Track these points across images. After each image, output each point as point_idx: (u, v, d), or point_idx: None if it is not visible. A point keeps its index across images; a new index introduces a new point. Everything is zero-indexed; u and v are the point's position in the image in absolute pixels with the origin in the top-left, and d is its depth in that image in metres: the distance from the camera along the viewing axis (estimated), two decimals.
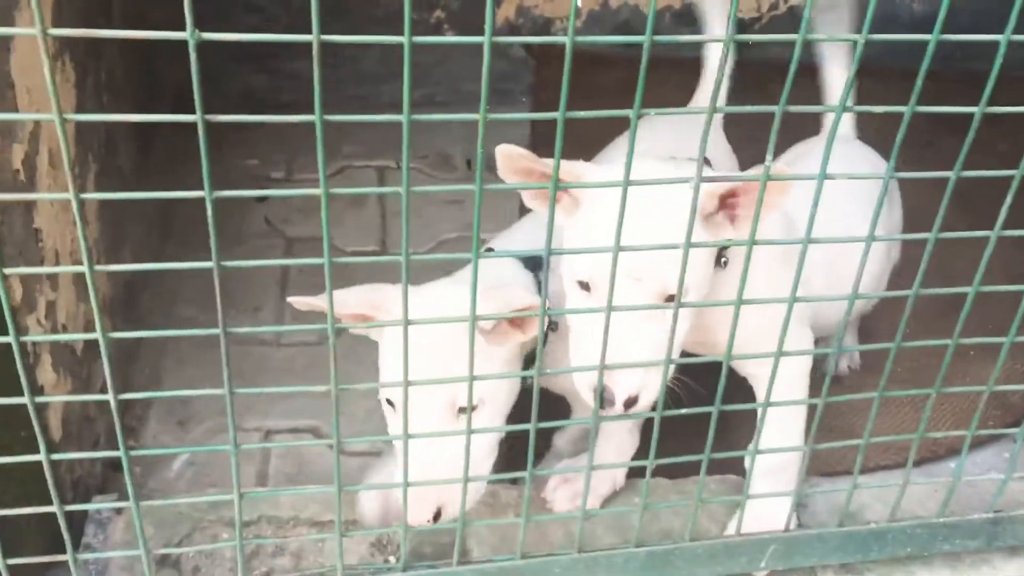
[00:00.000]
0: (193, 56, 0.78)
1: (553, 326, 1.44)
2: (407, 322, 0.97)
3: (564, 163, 1.02)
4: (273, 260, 2.05)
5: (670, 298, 1.09)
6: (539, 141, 2.56)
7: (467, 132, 2.58)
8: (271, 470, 1.69)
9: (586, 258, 1.12)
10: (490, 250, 1.51)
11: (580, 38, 0.86)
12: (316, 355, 1.90)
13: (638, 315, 1.10)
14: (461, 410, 1.21)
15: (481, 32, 2.82)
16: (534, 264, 1.47)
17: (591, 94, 2.22)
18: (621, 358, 1.09)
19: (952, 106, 0.95)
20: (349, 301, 1.26)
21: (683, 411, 1.13)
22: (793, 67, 0.87)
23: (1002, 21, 0.89)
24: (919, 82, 0.91)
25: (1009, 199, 1.00)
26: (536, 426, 1.08)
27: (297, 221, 2.29)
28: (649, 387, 1.12)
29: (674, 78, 1.75)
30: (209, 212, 0.88)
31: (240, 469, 1.65)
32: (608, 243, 0.98)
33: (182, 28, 0.76)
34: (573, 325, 1.19)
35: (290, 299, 1.28)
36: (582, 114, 0.88)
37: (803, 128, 1.70)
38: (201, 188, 0.84)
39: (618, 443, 1.53)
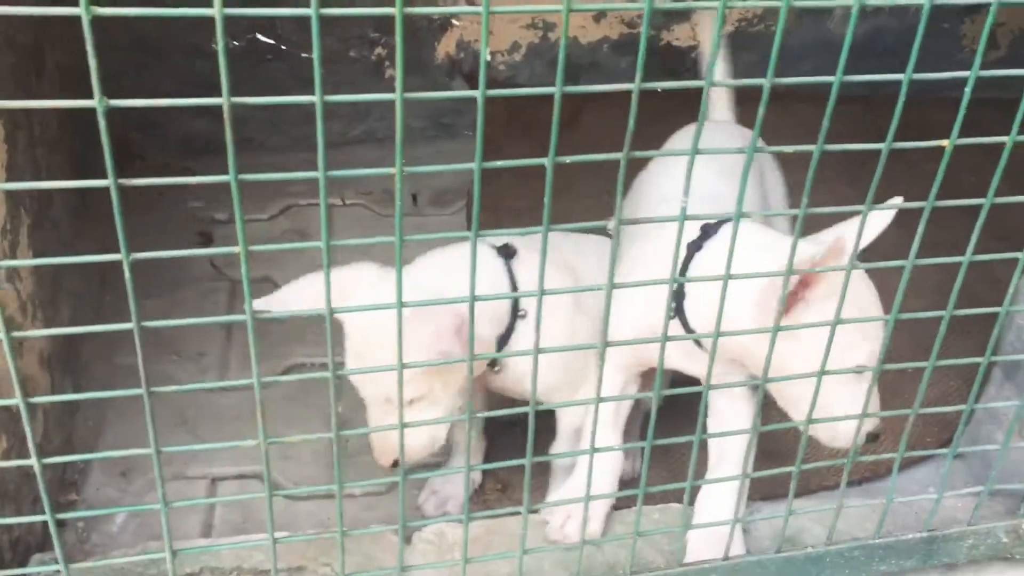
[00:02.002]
0: (102, 123, 0.79)
1: (522, 313, 1.46)
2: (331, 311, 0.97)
3: None
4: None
5: None
6: (486, 175, 2.57)
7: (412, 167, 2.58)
8: (216, 519, 1.68)
9: None
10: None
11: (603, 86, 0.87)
12: (264, 399, 1.89)
13: None
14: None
15: (424, 69, 2.86)
16: (507, 252, 1.48)
17: (532, 128, 2.25)
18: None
19: (880, 127, 0.96)
20: (320, 291, 1.29)
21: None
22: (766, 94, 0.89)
23: (932, 40, 0.91)
24: (826, 122, 0.93)
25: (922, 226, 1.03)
26: (530, 459, 1.10)
27: (239, 264, 2.27)
28: None
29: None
30: (127, 274, 0.89)
31: (184, 519, 1.66)
32: None
33: (116, 77, 0.77)
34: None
35: (256, 303, 1.31)
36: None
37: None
38: (139, 237, 0.85)
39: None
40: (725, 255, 1.01)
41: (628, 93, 0.89)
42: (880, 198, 1.02)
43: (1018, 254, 1.11)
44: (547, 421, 1.61)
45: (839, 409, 1.24)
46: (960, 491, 1.36)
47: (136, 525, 1.64)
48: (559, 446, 1.65)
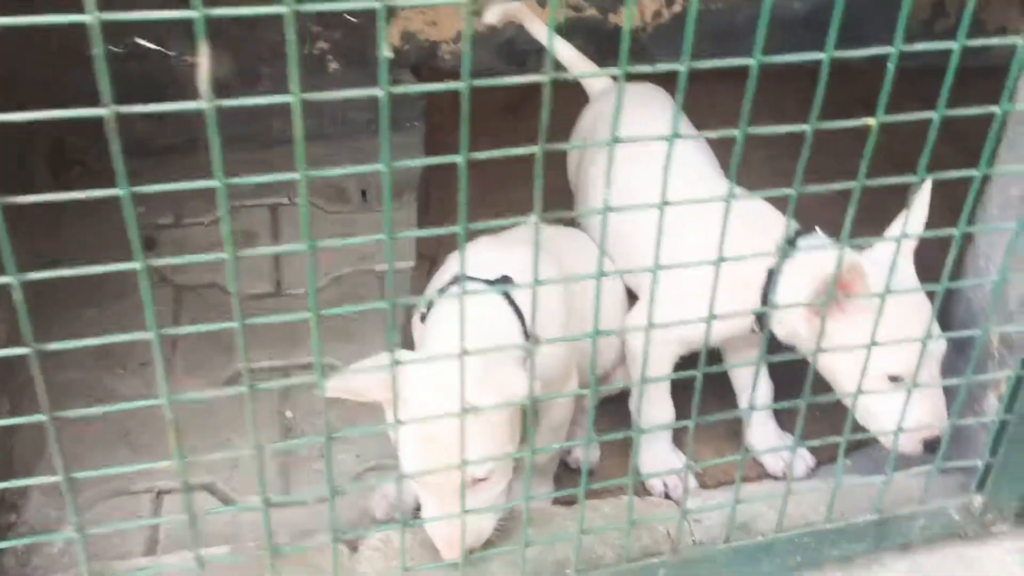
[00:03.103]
0: None
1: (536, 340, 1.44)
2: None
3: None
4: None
5: None
6: (436, 167, 2.54)
7: (360, 163, 2.54)
8: (161, 535, 1.64)
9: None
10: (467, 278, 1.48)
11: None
12: (208, 411, 1.85)
13: None
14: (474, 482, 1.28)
15: (368, 61, 2.81)
16: (500, 284, 1.45)
17: (478, 116, 2.21)
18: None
19: (827, 99, 0.93)
20: (369, 380, 1.27)
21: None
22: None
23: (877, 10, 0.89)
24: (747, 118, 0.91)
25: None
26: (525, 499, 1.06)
27: (186, 268, 2.23)
28: None
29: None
30: (18, 296, 0.85)
31: (127, 536, 1.62)
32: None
33: (54, 87, 0.73)
34: None
35: (328, 389, 1.25)
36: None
37: None
38: (79, 245, 0.81)
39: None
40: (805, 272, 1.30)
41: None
42: (829, 171, 0.98)
43: (953, 230, 1.09)
44: None
45: (884, 415, 1.40)
46: (909, 471, 1.34)
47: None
48: (538, 444, 1.63)
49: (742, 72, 0.88)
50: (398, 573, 1.36)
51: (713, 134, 0.98)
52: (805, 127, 0.94)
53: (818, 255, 1.43)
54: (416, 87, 0.85)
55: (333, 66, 2.60)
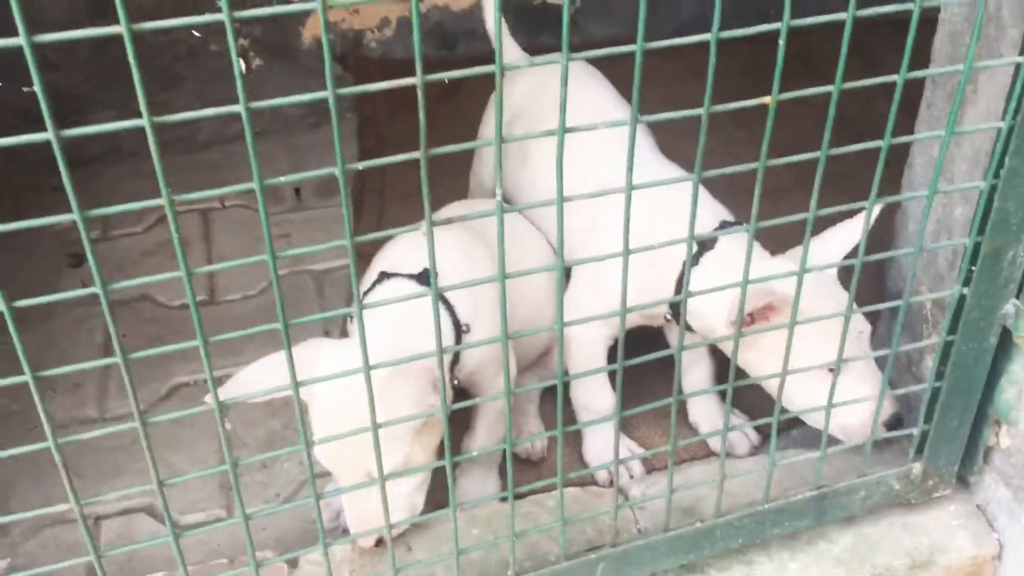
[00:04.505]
0: None
1: (465, 329, 1.42)
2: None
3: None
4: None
5: None
6: (367, 157, 2.49)
7: (293, 161, 2.50)
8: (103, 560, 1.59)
9: None
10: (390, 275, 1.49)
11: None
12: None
13: None
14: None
15: (292, 54, 2.71)
16: (427, 278, 1.43)
17: (412, 104, 2.16)
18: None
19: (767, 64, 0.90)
20: (276, 372, 1.23)
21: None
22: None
23: None
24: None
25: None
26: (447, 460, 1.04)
27: (118, 281, 2.17)
28: None
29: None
30: None
31: (65, 568, 1.58)
32: None
33: None
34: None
35: (223, 397, 1.22)
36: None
37: None
38: (3, 264, 0.77)
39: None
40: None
41: None
42: (773, 140, 0.95)
43: (864, 203, 1.07)
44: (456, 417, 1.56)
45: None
46: (841, 446, 1.33)
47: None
48: (479, 435, 1.62)
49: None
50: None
51: (678, 115, 0.93)
52: (765, 100, 0.91)
53: (731, 256, 1.41)
54: (374, 86, 0.81)
55: (256, 62, 2.53)
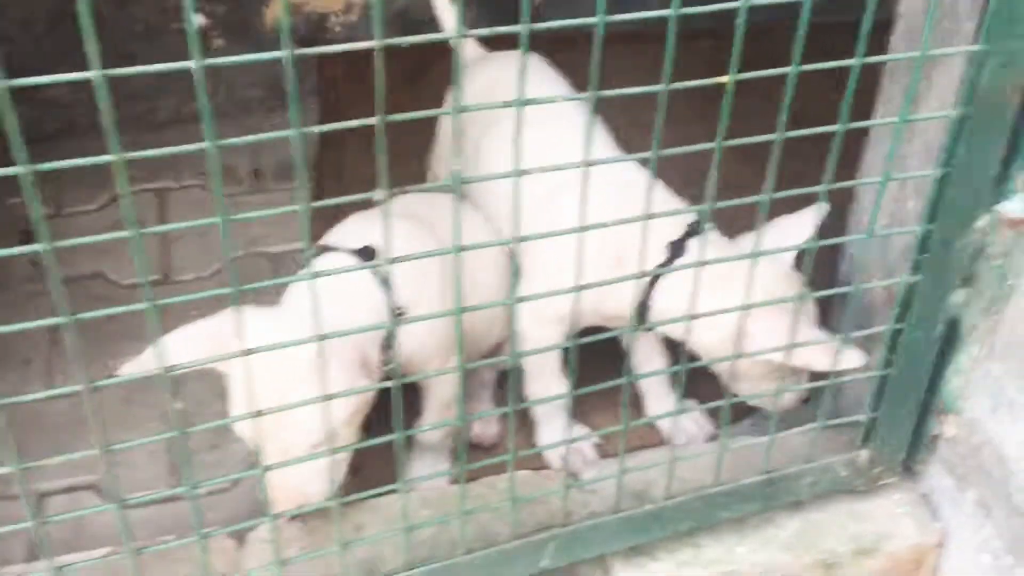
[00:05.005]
0: None
1: (399, 312, 1.39)
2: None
3: None
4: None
5: None
6: (328, 142, 2.48)
7: (251, 144, 2.46)
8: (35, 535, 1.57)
9: None
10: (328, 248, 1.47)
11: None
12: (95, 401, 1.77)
13: None
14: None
15: (253, 36, 2.67)
16: (368, 254, 1.41)
17: (373, 89, 2.15)
18: None
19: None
20: (199, 340, 1.25)
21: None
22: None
23: None
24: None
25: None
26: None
27: (68, 260, 2.14)
28: None
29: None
30: None
31: (6, 542, 1.55)
32: None
33: None
34: None
35: (121, 371, 1.21)
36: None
37: None
38: None
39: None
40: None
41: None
42: (734, 135, 0.96)
43: (818, 187, 1.08)
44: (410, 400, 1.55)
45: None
46: (794, 430, 1.34)
47: None
48: (429, 421, 1.59)
49: (633, 34, 0.86)
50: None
51: (637, 90, 0.93)
52: (723, 79, 0.92)
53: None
54: (325, 48, 0.81)
55: (218, 42, 2.50)
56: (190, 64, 0.75)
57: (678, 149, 0.95)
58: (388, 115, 0.84)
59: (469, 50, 1.92)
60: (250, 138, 0.87)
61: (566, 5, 2.65)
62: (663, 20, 0.89)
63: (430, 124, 1.96)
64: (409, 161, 1.97)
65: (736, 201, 1.04)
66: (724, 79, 0.94)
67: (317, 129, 0.87)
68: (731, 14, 0.90)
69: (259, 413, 1.01)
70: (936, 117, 1.14)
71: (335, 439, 1.28)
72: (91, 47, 0.71)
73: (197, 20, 0.76)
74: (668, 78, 0.91)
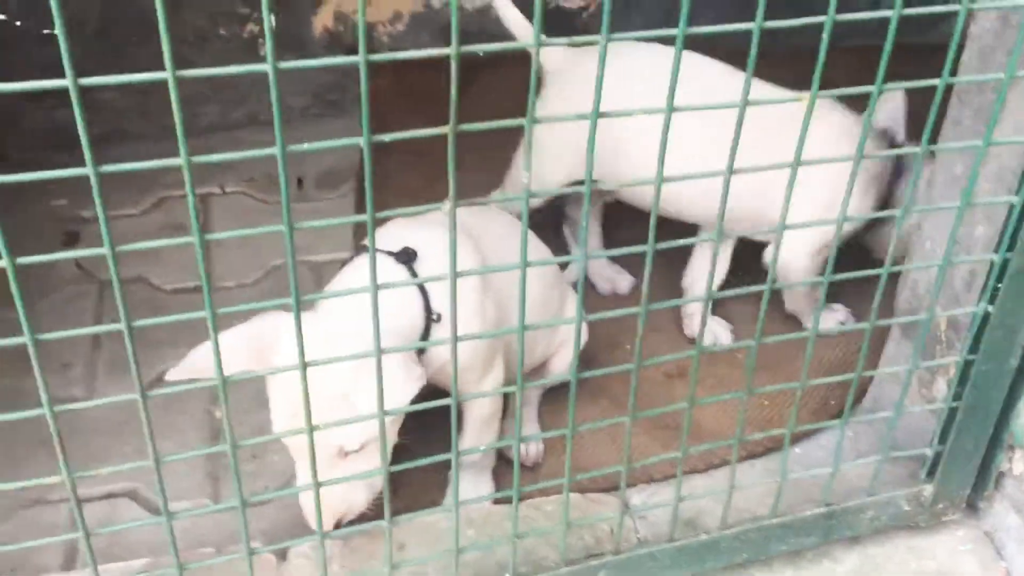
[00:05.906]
0: None
1: (436, 317, 1.36)
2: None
3: None
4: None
5: None
6: (372, 156, 2.45)
7: (295, 153, 2.45)
8: (80, 545, 1.55)
9: None
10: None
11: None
12: (132, 410, 1.75)
13: None
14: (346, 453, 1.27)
15: (302, 45, 2.66)
16: (407, 257, 1.38)
17: (424, 99, 2.13)
18: None
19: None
20: (237, 347, 1.23)
21: None
22: None
23: None
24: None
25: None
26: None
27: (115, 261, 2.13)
28: None
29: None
30: None
31: (42, 549, 1.53)
32: None
33: None
34: None
35: (168, 376, 1.19)
36: None
37: None
38: None
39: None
40: None
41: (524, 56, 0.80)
42: None
43: (895, 211, 1.04)
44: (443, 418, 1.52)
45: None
46: (855, 461, 1.30)
47: None
48: (467, 438, 1.56)
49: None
50: None
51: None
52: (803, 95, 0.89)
53: None
54: (401, 54, 0.79)
55: (265, 50, 2.50)
56: (265, 67, 0.73)
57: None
58: (457, 125, 0.81)
59: (556, 56, 1.86)
60: (317, 144, 0.84)
61: (615, 13, 2.62)
62: (747, 33, 0.86)
63: (483, 137, 1.93)
64: (460, 173, 1.94)
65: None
66: (804, 95, 0.91)
67: (388, 137, 0.85)
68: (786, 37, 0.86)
69: (312, 428, 0.98)
70: (1017, 142, 1.10)
71: (374, 445, 1.25)
72: (166, 48, 0.69)
73: (272, 21, 0.75)
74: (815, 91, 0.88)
